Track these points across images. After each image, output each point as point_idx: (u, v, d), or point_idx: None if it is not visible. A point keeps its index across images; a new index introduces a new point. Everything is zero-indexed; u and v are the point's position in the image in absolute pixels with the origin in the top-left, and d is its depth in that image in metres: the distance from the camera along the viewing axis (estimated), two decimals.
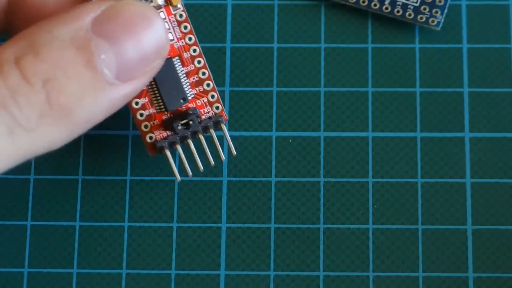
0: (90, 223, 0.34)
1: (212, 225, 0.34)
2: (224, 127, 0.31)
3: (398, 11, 0.35)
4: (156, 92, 0.31)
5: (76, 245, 0.34)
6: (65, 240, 0.34)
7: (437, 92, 0.35)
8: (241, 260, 0.33)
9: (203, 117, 0.31)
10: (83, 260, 0.34)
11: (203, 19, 0.35)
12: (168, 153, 0.31)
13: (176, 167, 0.32)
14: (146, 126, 0.31)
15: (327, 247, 0.34)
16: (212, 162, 0.31)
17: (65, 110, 0.26)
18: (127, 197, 0.34)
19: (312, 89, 0.35)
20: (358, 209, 0.34)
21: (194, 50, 0.31)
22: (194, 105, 0.31)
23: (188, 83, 0.31)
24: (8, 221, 0.34)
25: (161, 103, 0.31)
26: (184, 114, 0.31)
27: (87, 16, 0.27)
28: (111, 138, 0.34)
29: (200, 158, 0.31)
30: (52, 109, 0.26)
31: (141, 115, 0.31)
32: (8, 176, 0.34)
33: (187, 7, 0.36)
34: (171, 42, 0.31)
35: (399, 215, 0.34)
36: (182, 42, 0.31)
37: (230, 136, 0.34)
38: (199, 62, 0.31)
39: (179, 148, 0.31)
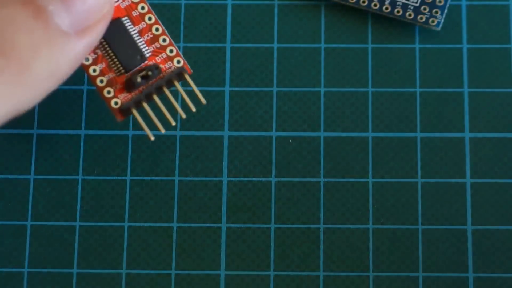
0: (90, 223, 0.34)
1: (212, 225, 0.34)
2: (189, 78, 0.30)
3: (398, 11, 0.35)
4: (112, 55, 0.30)
5: (76, 245, 0.34)
6: (65, 240, 0.34)
7: (437, 92, 0.35)
8: (241, 260, 0.33)
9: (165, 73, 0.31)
10: (83, 260, 0.34)
11: (203, 19, 0.35)
12: (135, 112, 0.30)
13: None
14: (108, 92, 0.30)
15: (327, 247, 0.34)
16: (183, 115, 0.30)
17: (23, 64, 0.26)
18: (127, 197, 0.34)
19: (312, 89, 0.35)
20: (358, 209, 0.34)
21: (143, 8, 0.30)
22: (154, 62, 0.30)
23: (143, 42, 0.30)
24: (8, 221, 0.34)
25: (120, 66, 0.30)
26: (144, 70, 0.30)
27: None
28: (111, 138, 0.34)
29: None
30: (9, 63, 0.26)
31: (101, 81, 0.30)
32: (8, 176, 0.34)
33: (188, 7, 0.36)
34: (117, 3, 0.30)
35: (399, 215, 0.34)
36: (128, 1, 0.30)
37: (230, 136, 0.34)
38: (149, 18, 0.30)
39: (145, 105, 0.30)
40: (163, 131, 0.30)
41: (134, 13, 0.30)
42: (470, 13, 0.35)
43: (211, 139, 0.34)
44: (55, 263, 0.34)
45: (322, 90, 0.35)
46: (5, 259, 0.34)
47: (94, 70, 0.30)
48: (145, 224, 0.34)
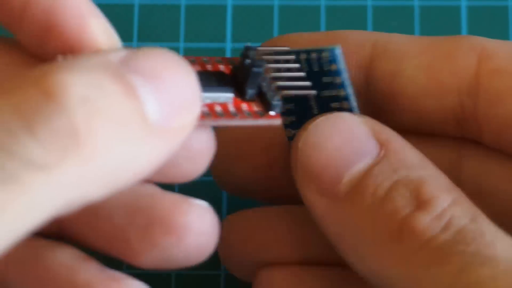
0: None
1: None
2: None
3: None
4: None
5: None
6: None
7: None
8: None
9: None
10: None
11: (203, 19, 0.36)
12: None
13: None
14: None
15: None
16: None
17: (103, 145, 0.20)
18: None
19: None
20: None
21: None
22: None
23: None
24: None
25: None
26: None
27: (113, 53, 0.22)
28: None
29: None
30: (89, 140, 0.20)
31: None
32: None
33: (188, 7, 0.36)
34: None
35: None
36: None
37: None
38: None
39: None
40: None
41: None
42: (470, 14, 0.35)
43: None
44: None
45: None
46: None
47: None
48: None
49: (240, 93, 0.26)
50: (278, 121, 0.26)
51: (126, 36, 0.35)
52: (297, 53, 0.28)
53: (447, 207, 0.25)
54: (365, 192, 0.25)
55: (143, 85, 0.21)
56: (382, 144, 0.26)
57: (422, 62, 0.28)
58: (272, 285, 0.29)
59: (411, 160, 0.26)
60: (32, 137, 0.19)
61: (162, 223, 0.24)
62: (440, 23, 0.35)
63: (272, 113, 0.26)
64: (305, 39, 0.29)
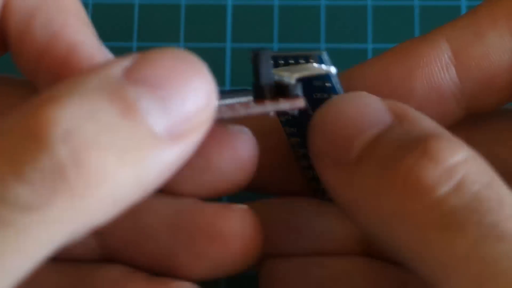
0: None
1: None
2: None
3: None
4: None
5: None
6: None
7: None
8: None
9: None
10: None
11: (203, 19, 0.36)
12: None
13: None
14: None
15: None
16: None
17: (101, 172, 0.20)
18: None
19: None
20: None
21: None
22: None
23: None
24: None
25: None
26: None
27: (115, 65, 0.21)
28: None
29: None
30: (79, 173, 0.20)
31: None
32: None
33: (188, 7, 0.36)
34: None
35: None
36: None
37: None
38: None
39: None
40: None
41: None
42: None
43: None
44: None
45: None
46: None
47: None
48: None
49: (259, 95, 0.25)
50: (301, 103, 0.25)
51: (126, 36, 0.35)
52: (285, 58, 0.27)
53: (460, 162, 0.22)
54: (374, 154, 0.24)
55: (146, 96, 0.21)
56: (397, 115, 0.24)
57: (504, 29, 0.27)
58: (277, 276, 0.28)
59: (425, 124, 0.24)
60: (19, 180, 0.19)
61: (206, 233, 0.24)
62: (440, 23, 0.35)
63: (293, 96, 0.25)
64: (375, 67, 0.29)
